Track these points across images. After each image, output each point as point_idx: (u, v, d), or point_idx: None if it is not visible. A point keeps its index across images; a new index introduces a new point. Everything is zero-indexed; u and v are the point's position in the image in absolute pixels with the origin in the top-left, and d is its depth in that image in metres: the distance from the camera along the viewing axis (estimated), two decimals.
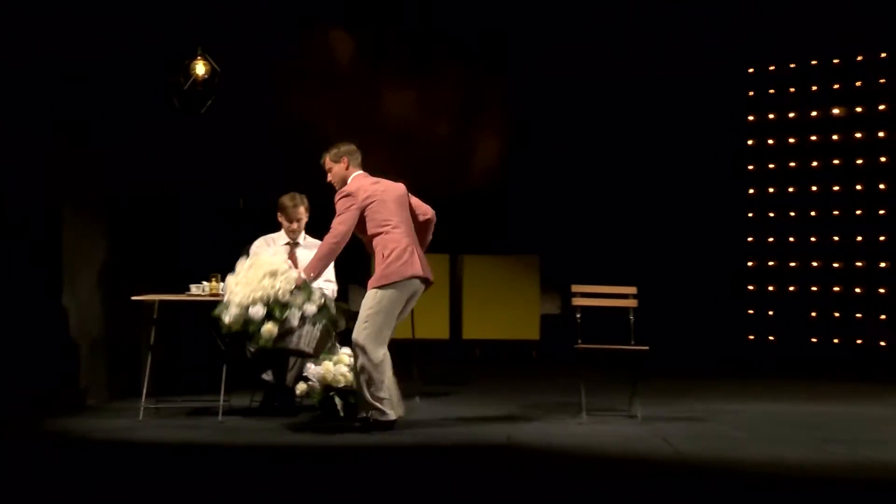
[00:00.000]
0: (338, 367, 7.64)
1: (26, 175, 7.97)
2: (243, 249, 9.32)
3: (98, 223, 8.44)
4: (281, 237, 8.30)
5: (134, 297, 7.76)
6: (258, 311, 7.02)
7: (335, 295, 8.23)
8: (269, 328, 7.04)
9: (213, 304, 7.75)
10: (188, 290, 7.83)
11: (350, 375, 7.57)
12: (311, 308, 7.17)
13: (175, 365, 8.70)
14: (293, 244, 8.27)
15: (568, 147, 12.01)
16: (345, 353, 7.77)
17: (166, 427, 7.32)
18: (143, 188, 8.88)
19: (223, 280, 7.80)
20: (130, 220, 8.75)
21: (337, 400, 7.55)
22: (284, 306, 7.06)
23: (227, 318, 7.06)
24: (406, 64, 11.71)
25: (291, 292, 7.10)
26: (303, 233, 8.32)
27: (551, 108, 12.06)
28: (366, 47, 11.64)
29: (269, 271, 7.08)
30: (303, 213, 8.23)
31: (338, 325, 7.60)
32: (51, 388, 7.57)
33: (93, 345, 8.35)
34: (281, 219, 8.26)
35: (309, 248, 8.18)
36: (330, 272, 8.16)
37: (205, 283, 7.79)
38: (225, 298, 7.16)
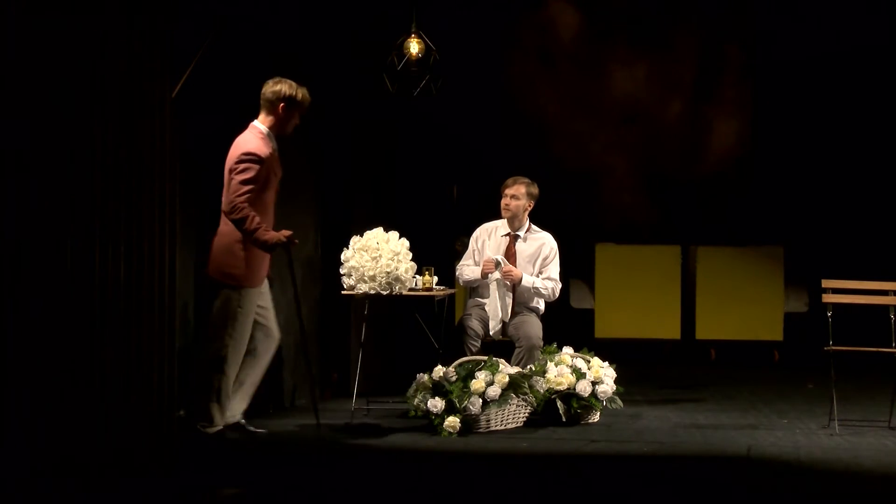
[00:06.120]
0: (559, 367, 7.60)
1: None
2: (458, 240, 9.43)
3: (307, 214, 8.54)
4: (502, 227, 8.21)
5: (344, 292, 7.78)
6: (437, 403, 7.20)
7: (556, 295, 8.16)
8: (452, 421, 7.16)
9: (427, 300, 7.86)
10: None
11: (573, 378, 7.55)
12: (494, 391, 7.24)
13: (387, 363, 8.81)
14: (513, 236, 8.16)
15: (818, 124, 11.58)
16: (566, 354, 7.75)
17: (378, 432, 7.38)
18: (351, 175, 9.01)
19: (436, 273, 7.90)
20: (338, 209, 8.85)
21: (559, 404, 7.52)
22: (464, 391, 7.18)
23: (414, 403, 7.35)
24: (635, 35, 11.56)
25: (473, 374, 7.24)
26: (526, 223, 8.18)
27: (800, 80, 11.63)
28: (593, 19, 11.54)
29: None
30: (519, 192, 8.08)
31: (531, 394, 7.52)
32: (259, 387, 7.70)
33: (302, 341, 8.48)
34: (502, 202, 8.16)
35: (531, 242, 8.14)
36: (554, 268, 8.09)
37: (417, 276, 7.79)
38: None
